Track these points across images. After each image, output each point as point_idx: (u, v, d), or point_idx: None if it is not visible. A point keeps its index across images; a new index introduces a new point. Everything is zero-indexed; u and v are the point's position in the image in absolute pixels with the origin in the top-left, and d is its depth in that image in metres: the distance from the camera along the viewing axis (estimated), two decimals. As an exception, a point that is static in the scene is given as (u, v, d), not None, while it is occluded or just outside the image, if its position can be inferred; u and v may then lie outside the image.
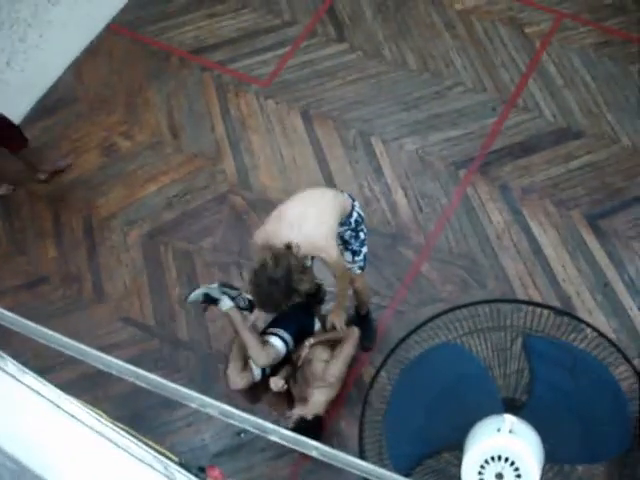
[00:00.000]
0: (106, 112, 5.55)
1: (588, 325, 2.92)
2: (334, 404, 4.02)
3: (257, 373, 3.86)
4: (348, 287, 3.90)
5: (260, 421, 1.26)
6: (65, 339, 1.19)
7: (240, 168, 5.18)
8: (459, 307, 3.01)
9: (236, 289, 4.06)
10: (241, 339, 3.79)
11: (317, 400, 3.87)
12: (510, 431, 2.51)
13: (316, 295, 3.90)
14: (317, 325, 4.10)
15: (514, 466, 2.44)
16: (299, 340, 3.99)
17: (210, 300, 3.89)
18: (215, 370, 4.39)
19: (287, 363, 4.03)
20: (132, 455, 1.19)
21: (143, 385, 1.23)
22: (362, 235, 3.86)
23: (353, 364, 4.09)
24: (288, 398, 4.05)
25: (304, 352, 3.96)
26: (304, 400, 3.90)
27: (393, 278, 4.63)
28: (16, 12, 5.17)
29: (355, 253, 3.86)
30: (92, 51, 5.89)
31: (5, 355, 1.30)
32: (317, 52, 5.69)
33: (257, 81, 5.59)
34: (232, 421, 1.27)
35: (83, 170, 5.29)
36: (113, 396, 4.19)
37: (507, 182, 4.92)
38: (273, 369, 3.96)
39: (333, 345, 3.99)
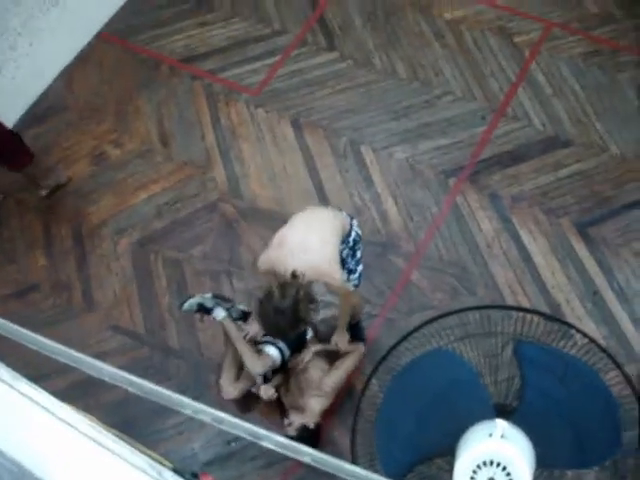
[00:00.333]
0: (96, 120, 5.55)
1: (577, 330, 2.93)
2: (327, 414, 4.02)
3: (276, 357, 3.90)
4: (350, 308, 3.90)
5: (253, 427, 1.26)
6: (59, 346, 1.19)
7: (230, 176, 5.18)
8: (449, 314, 3.03)
9: (229, 300, 4.09)
10: (235, 349, 3.80)
11: (313, 409, 3.87)
12: (502, 436, 2.52)
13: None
14: (310, 333, 4.11)
15: (506, 471, 2.45)
16: (294, 348, 4.00)
17: (204, 310, 3.90)
18: (206, 378, 4.38)
19: (279, 372, 4.04)
20: (126, 461, 1.19)
21: (136, 392, 1.23)
22: (359, 254, 3.86)
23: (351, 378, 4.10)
24: (280, 407, 4.06)
25: (307, 356, 3.97)
26: (298, 409, 3.91)
27: (384, 286, 4.64)
28: (6, 21, 5.16)
29: (351, 272, 3.86)
30: (82, 59, 5.89)
31: (-2, 361, 1.30)
32: (307, 61, 5.71)
33: (247, 90, 5.60)
34: (224, 427, 1.27)
35: (73, 178, 5.28)
36: (104, 404, 4.17)
37: (497, 190, 4.95)
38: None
39: (329, 355, 4.00)
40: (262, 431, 1.26)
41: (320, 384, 3.87)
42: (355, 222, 3.83)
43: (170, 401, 1.25)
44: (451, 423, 2.65)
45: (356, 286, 3.93)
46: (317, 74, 5.63)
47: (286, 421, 3.88)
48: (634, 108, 5.22)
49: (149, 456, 1.29)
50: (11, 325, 1.24)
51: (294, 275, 3.22)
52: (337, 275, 3.46)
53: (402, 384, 2.89)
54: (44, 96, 5.71)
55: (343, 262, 3.76)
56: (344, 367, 3.93)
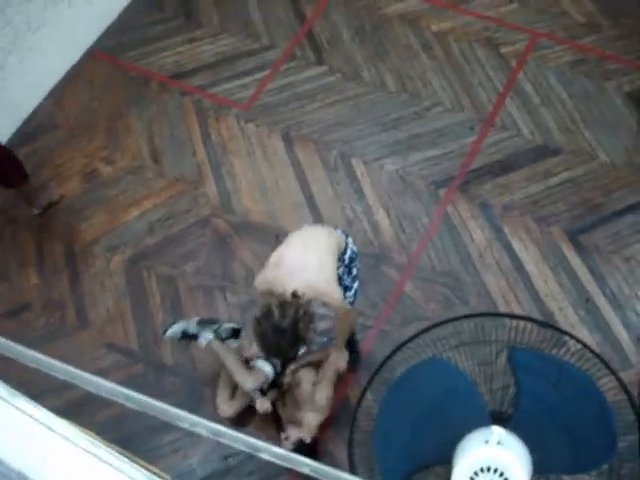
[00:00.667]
0: (87, 138, 5.55)
1: (570, 336, 2.94)
2: (323, 426, 4.02)
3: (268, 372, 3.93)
4: (348, 326, 3.89)
5: (251, 439, 1.26)
6: (57, 362, 1.19)
7: (222, 191, 5.19)
8: (443, 323, 3.04)
9: (215, 322, 4.11)
10: (227, 368, 3.82)
11: (310, 423, 3.87)
12: (498, 442, 2.52)
13: None
14: (302, 348, 4.11)
15: (503, 477, 2.46)
16: (286, 363, 4.00)
17: (188, 336, 3.93)
18: (202, 392, 4.38)
19: (275, 386, 4.04)
20: (126, 475, 1.19)
21: (134, 407, 1.23)
22: (354, 271, 3.87)
23: (339, 385, 4.08)
24: (276, 421, 4.06)
25: (287, 379, 3.97)
26: (296, 423, 3.90)
27: (377, 298, 4.65)
28: (-4, 40, 5.19)
29: (347, 288, 3.86)
30: (72, 77, 5.90)
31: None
32: (296, 75, 5.74)
33: (237, 105, 5.62)
34: (222, 440, 1.27)
35: (65, 196, 5.28)
36: (100, 423, 4.15)
37: (487, 200, 4.97)
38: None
39: (319, 364, 4.00)
40: (260, 443, 1.27)
41: (312, 399, 3.87)
42: (350, 239, 3.84)
43: (167, 415, 1.25)
44: (447, 432, 2.66)
45: (351, 303, 3.93)
46: (306, 88, 5.65)
47: (283, 435, 3.88)
48: (621, 115, 5.27)
49: (148, 470, 1.29)
50: (10, 343, 1.25)
51: (294, 295, 3.22)
52: (336, 294, 3.47)
53: (397, 394, 2.89)
54: (35, 114, 5.72)
55: (339, 279, 3.76)
56: (326, 379, 3.91)
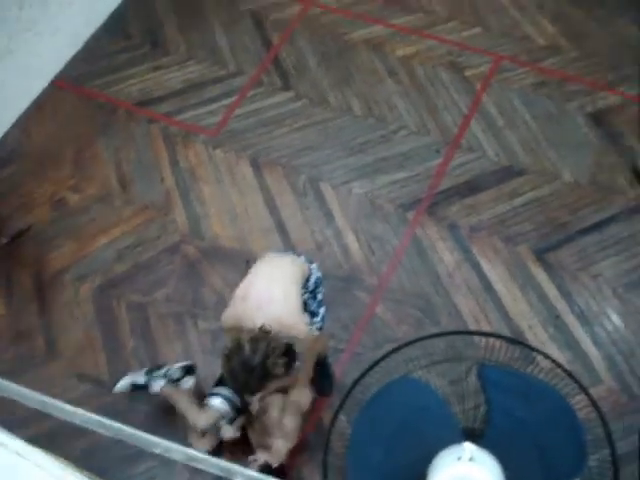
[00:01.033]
0: (54, 167, 5.52)
1: (539, 352, 2.98)
2: (295, 451, 4.00)
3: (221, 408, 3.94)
4: (315, 356, 3.85)
5: (225, 463, 1.27)
6: (30, 391, 1.19)
7: (191, 218, 5.19)
8: (413, 342, 3.06)
9: (163, 366, 4.14)
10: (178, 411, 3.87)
11: (279, 450, 3.85)
12: (470, 459, 2.54)
13: None
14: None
15: (477, 494, 2.47)
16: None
17: (139, 387, 3.97)
18: (174, 419, 4.33)
19: (244, 412, 4.04)
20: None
21: (107, 434, 1.24)
22: (320, 296, 3.88)
23: (311, 411, 4.06)
24: (246, 446, 4.04)
25: (255, 406, 3.95)
26: (265, 447, 3.88)
27: (348, 321, 4.66)
28: (-40, 71, 5.16)
29: (313, 314, 3.85)
30: (38, 106, 5.88)
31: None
32: (263, 101, 5.77)
33: (205, 131, 5.64)
34: (198, 465, 1.28)
35: (33, 225, 5.23)
36: (72, 454, 4.08)
37: (455, 221, 5.02)
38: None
39: (286, 390, 3.98)
40: (235, 466, 1.27)
41: (280, 426, 3.84)
42: (314, 265, 3.85)
43: (141, 441, 1.25)
44: (420, 449, 2.67)
45: (320, 328, 3.93)
46: (274, 113, 5.69)
47: (251, 457, 3.85)
48: (584, 135, 5.37)
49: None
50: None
51: (265, 330, 3.21)
52: (301, 326, 3.46)
53: (369, 413, 2.90)
54: (1, 144, 5.68)
55: (305, 305, 3.76)
56: (292, 407, 3.86)
